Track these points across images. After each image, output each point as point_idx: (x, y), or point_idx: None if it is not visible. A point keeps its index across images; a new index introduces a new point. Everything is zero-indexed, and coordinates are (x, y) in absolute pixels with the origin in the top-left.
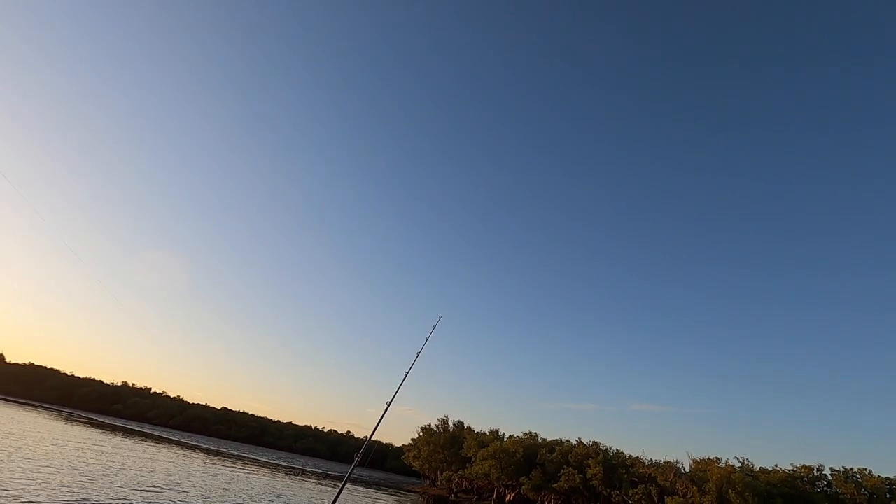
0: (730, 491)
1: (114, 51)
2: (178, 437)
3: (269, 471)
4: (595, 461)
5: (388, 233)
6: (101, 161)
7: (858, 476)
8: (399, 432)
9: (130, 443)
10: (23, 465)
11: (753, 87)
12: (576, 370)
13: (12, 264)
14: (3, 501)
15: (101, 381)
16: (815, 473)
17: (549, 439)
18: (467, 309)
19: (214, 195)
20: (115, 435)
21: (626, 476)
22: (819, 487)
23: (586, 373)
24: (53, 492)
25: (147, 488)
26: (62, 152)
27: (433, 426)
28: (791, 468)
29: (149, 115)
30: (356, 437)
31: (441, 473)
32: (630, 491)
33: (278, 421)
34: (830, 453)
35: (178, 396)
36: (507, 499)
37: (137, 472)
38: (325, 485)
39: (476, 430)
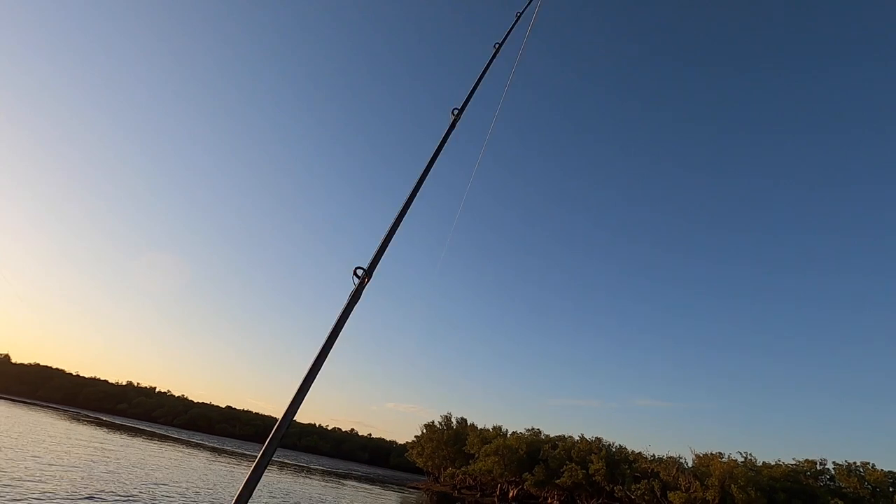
0: (732, 486)
1: (112, 50)
2: (183, 435)
3: (274, 468)
4: (598, 457)
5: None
6: (103, 162)
7: (861, 470)
8: (402, 430)
9: (136, 441)
10: (30, 464)
11: (764, 87)
12: (580, 366)
13: (16, 266)
14: (11, 498)
15: (106, 381)
16: (818, 468)
17: (552, 435)
18: (469, 306)
19: (215, 194)
20: (121, 434)
21: (628, 471)
22: (822, 482)
23: (591, 369)
24: (61, 489)
25: (152, 486)
26: (63, 154)
27: (436, 423)
28: (794, 462)
29: (149, 115)
30: (360, 434)
31: (444, 470)
32: (632, 486)
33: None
34: (834, 448)
35: (183, 395)
36: (511, 495)
37: (143, 470)
38: (329, 482)
39: (479, 427)
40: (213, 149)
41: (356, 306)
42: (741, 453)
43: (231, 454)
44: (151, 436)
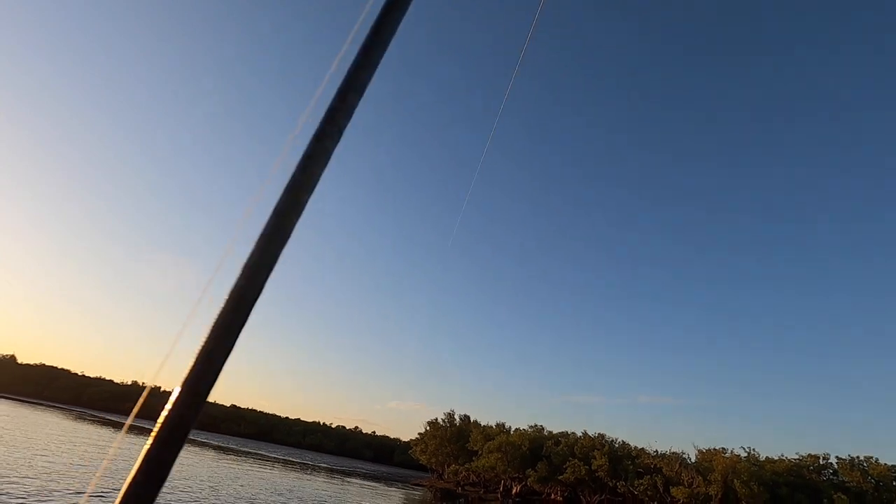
0: (735, 480)
1: (112, 50)
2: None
3: (279, 466)
4: (601, 453)
5: (390, 230)
6: (103, 162)
7: (865, 464)
8: (406, 428)
9: (142, 441)
10: (37, 462)
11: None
12: (583, 363)
13: (22, 268)
14: (19, 496)
15: (111, 381)
16: (821, 462)
17: (555, 432)
18: (472, 304)
19: (216, 193)
20: (126, 433)
21: (631, 467)
22: (825, 476)
23: (594, 366)
24: (69, 487)
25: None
26: (64, 154)
27: (440, 420)
28: (797, 457)
29: (148, 114)
30: (364, 432)
31: (448, 467)
32: (635, 482)
33: (286, 417)
34: (838, 444)
35: None
36: (514, 491)
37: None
38: (333, 480)
39: (482, 424)
40: (214, 148)
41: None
42: (744, 448)
43: (236, 453)
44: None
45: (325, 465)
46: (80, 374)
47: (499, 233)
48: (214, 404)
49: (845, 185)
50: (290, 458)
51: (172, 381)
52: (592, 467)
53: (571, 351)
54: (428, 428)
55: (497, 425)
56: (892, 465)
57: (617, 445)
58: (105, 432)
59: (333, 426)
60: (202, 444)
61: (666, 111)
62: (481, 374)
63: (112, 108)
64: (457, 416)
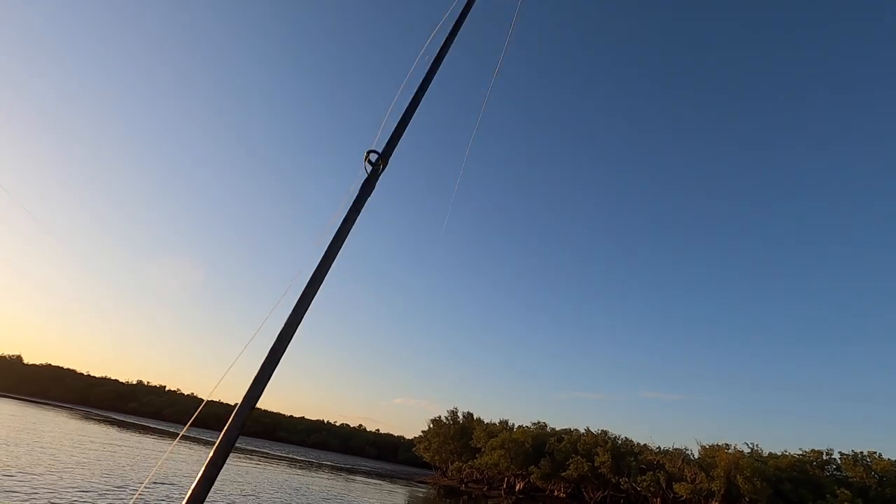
0: (738, 476)
1: (127, 53)
2: (193, 433)
3: (283, 464)
4: (603, 449)
5: (392, 225)
6: (113, 165)
7: (868, 459)
8: (410, 425)
9: (147, 439)
10: (45, 461)
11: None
12: (586, 360)
13: (27, 268)
14: (26, 493)
15: (116, 380)
16: (825, 458)
17: (557, 429)
18: (475, 302)
19: (227, 196)
20: (132, 432)
21: (634, 463)
22: (828, 471)
23: (597, 362)
24: (77, 484)
25: (160, 482)
26: (75, 157)
27: (443, 418)
28: (800, 453)
29: (156, 115)
30: (368, 430)
31: (451, 464)
32: (638, 478)
33: (291, 416)
34: (842, 441)
35: (192, 393)
36: (517, 488)
37: (153, 467)
38: (338, 478)
39: (485, 421)
40: (228, 150)
41: (369, 200)
42: (747, 444)
43: (241, 451)
44: (162, 434)
45: (329, 463)
46: (85, 374)
47: (500, 228)
48: (220, 403)
49: (848, 178)
50: (295, 456)
51: (178, 381)
52: (595, 464)
53: (574, 347)
54: (431, 425)
55: (500, 422)
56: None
57: (620, 442)
58: (111, 431)
59: (337, 424)
60: (207, 443)
61: (671, 94)
62: (484, 370)
63: (119, 109)
64: (460, 414)
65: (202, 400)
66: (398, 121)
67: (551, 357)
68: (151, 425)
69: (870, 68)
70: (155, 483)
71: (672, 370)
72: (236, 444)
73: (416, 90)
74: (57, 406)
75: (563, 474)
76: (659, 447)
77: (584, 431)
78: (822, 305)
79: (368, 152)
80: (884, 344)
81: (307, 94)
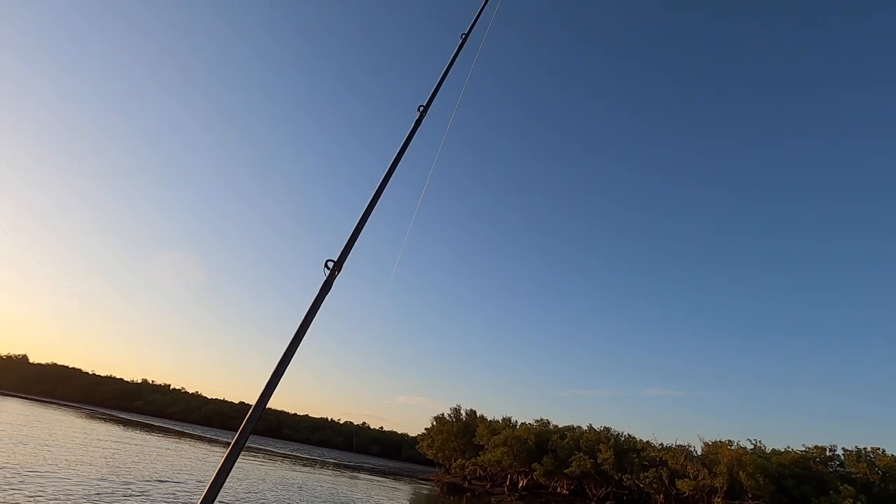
0: (740, 473)
1: (126, 48)
2: (198, 431)
3: (288, 462)
4: (606, 446)
5: (394, 229)
6: (114, 162)
7: (871, 455)
8: (414, 423)
9: (152, 438)
10: (53, 459)
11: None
12: (590, 357)
13: (32, 268)
14: (33, 492)
15: (121, 379)
16: (828, 454)
17: (560, 426)
18: (478, 299)
19: (229, 193)
20: (138, 430)
21: (636, 460)
22: (831, 467)
23: (600, 359)
24: (84, 481)
25: (164, 479)
26: (76, 155)
27: (446, 415)
28: (803, 449)
29: (158, 115)
30: (372, 427)
31: (454, 461)
32: (641, 475)
33: (295, 414)
34: (845, 437)
35: (197, 392)
36: (520, 485)
37: (159, 465)
38: (342, 475)
39: (488, 419)
40: (229, 147)
41: (327, 297)
42: (750, 440)
43: (246, 449)
44: (167, 432)
45: (333, 461)
46: (90, 373)
47: (500, 227)
48: (224, 402)
49: (852, 171)
50: (299, 454)
51: (183, 380)
52: (598, 461)
53: (578, 345)
54: (434, 423)
55: (503, 419)
56: None
57: (623, 439)
58: (117, 430)
59: (341, 422)
60: (211, 441)
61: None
62: (487, 368)
63: (120, 108)
64: (463, 411)
65: (206, 398)
66: (350, 233)
67: (554, 354)
68: (156, 423)
69: (869, 67)
70: (159, 481)
71: (675, 367)
72: None
73: (365, 206)
74: (63, 405)
75: (565, 471)
76: (661, 444)
77: (586, 428)
78: (826, 301)
79: (327, 261)
80: (886, 340)
81: (308, 92)
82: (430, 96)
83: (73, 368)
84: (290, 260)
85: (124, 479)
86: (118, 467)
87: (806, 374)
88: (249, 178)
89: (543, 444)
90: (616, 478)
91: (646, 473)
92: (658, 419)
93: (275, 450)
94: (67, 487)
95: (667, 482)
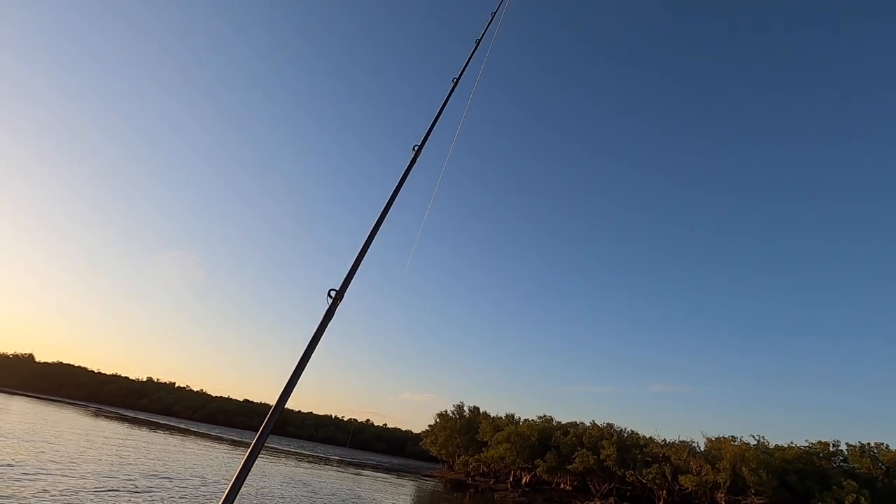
0: (744, 468)
1: (124, 50)
2: (203, 429)
3: (292, 459)
4: (609, 442)
5: (395, 231)
6: (113, 161)
7: (875, 451)
8: (418, 419)
9: (158, 435)
10: (60, 456)
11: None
12: (594, 352)
13: (37, 268)
14: (40, 489)
15: (126, 378)
16: (831, 449)
17: (563, 422)
18: (481, 297)
19: (232, 192)
20: (143, 428)
21: (639, 456)
22: (835, 463)
23: (604, 356)
24: (89, 481)
25: (170, 476)
26: (79, 154)
27: (449, 412)
28: (807, 444)
29: (158, 114)
30: (375, 424)
31: (458, 458)
32: (644, 471)
33: (299, 411)
34: (849, 433)
35: (202, 390)
36: (524, 481)
37: (165, 462)
38: (346, 472)
39: (491, 415)
40: (230, 146)
41: (329, 324)
42: (753, 436)
43: (250, 446)
44: (172, 430)
45: (337, 458)
46: (96, 371)
47: (501, 226)
48: (229, 399)
49: (853, 171)
50: (303, 451)
51: (188, 378)
52: (601, 457)
53: (581, 341)
54: (438, 420)
55: (506, 416)
56: None
57: (626, 435)
58: (123, 428)
59: (345, 419)
60: (217, 439)
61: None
62: (491, 365)
63: (121, 109)
64: (466, 408)
65: (211, 396)
66: (351, 263)
67: (558, 351)
68: (162, 421)
69: (869, 67)
70: (166, 478)
71: (679, 363)
72: (245, 440)
73: (365, 238)
74: (69, 403)
75: (568, 467)
76: (664, 440)
77: (589, 425)
78: (830, 298)
79: (329, 290)
80: (888, 338)
81: (308, 92)
82: (424, 136)
83: (79, 367)
84: (290, 260)
85: (131, 477)
86: (125, 465)
87: (809, 370)
88: (249, 178)
89: (546, 440)
90: (619, 474)
91: (649, 469)
92: (661, 415)
93: (279, 447)
94: (76, 483)
95: (670, 478)
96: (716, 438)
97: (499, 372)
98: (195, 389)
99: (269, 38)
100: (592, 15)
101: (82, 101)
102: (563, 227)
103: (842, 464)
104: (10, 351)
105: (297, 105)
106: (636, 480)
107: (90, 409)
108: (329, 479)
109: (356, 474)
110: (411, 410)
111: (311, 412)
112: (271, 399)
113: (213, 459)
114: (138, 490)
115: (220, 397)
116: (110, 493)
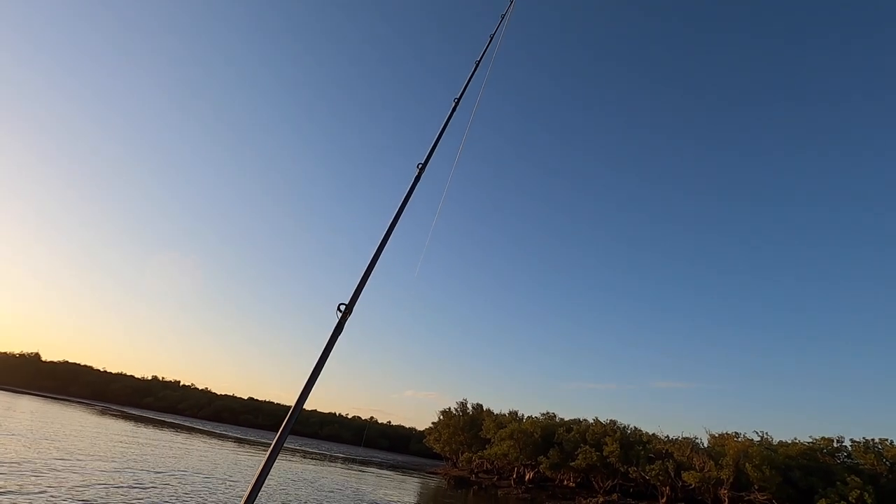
0: (747, 464)
1: (124, 50)
2: (208, 427)
3: (297, 457)
4: (612, 439)
5: (398, 231)
6: (115, 162)
7: (879, 446)
8: (422, 417)
9: (164, 433)
10: (67, 453)
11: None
12: (597, 349)
13: (42, 268)
14: (47, 486)
15: (132, 376)
16: (835, 445)
17: (566, 419)
18: (483, 295)
19: (234, 192)
20: (149, 427)
21: (642, 453)
22: (839, 459)
23: (607, 353)
24: (96, 478)
25: (174, 473)
26: (80, 155)
27: (452, 409)
28: (811, 440)
29: (158, 114)
30: (380, 422)
31: (461, 455)
32: (647, 467)
33: (304, 408)
34: (852, 427)
35: (207, 388)
36: (527, 478)
37: (171, 460)
38: (350, 469)
39: (495, 412)
40: (230, 146)
41: (339, 338)
42: (757, 432)
43: (255, 443)
44: (178, 428)
45: (341, 455)
46: (101, 370)
47: (502, 225)
48: (233, 398)
49: (853, 174)
50: (308, 449)
51: (192, 376)
52: (604, 453)
53: (584, 338)
54: (441, 417)
55: (509, 413)
56: None
57: (629, 431)
58: (128, 426)
59: (349, 416)
60: (221, 437)
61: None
62: (494, 362)
63: (121, 109)
64: (469, 405)
65: (216, 394)
66: (360, 277)
67: (561, 348)
68: (167, 419)
69: (869, 71)
70: (171, 475)
71: (683, 359)
72: (249, 438)
73: (372, 255)
74: (75, 401)
75: (572, 464)
76: (668, 436)
77: (592, 421)
78: (833, 296)
79: (339, 304)
80: (893, 333)
81: (308, 92)
82: (427, 156)
83: (85, 366)
84: (290, 260)
85: (137, 474)
86: (131, 462)
87: (812, 367)
88: (249, 178)
89: (549, 437)
90: (622, 470)
91: (652, 466)
92: (664, 412)
93: (284, 444)
94: (84, 480)
95: (673, 474)
96: (719, 435)
97: (501, 370)
98: (200, 388)
99: (269, 39)
100: (596, 21)
101: (82, 101)
102: (562, 228)
103: (846, 460)
104: (16, 350)
105: (297, 105)
106: (639, 477)
107: (96, 407)
108: (334, 476)
109: (361, 471)
110: (415, 408)
111: (315, 409)
112: (275, 397)
113: (219, 457)
114: (144, 486)
115: (225, 395)
116: (117, 490)
